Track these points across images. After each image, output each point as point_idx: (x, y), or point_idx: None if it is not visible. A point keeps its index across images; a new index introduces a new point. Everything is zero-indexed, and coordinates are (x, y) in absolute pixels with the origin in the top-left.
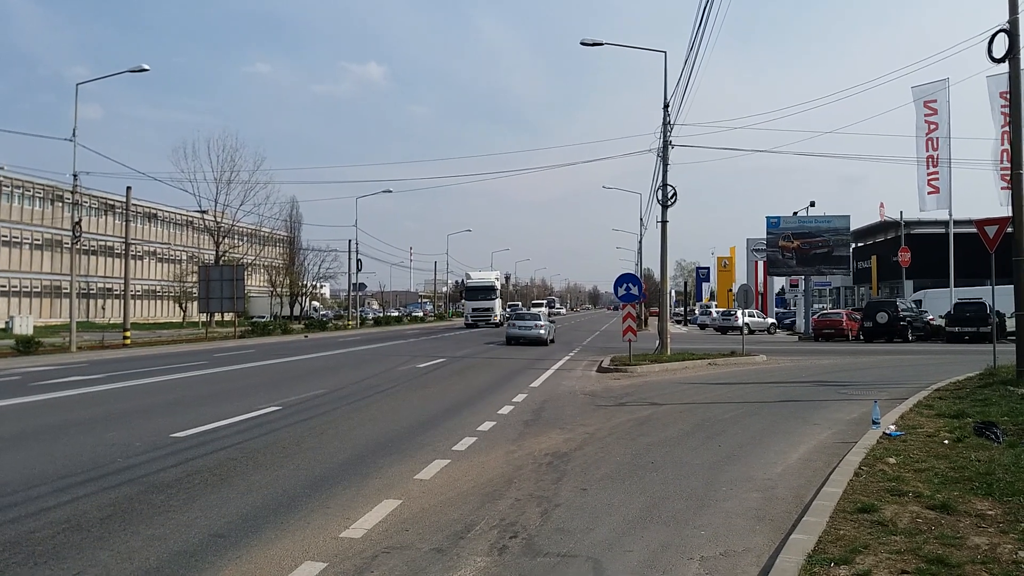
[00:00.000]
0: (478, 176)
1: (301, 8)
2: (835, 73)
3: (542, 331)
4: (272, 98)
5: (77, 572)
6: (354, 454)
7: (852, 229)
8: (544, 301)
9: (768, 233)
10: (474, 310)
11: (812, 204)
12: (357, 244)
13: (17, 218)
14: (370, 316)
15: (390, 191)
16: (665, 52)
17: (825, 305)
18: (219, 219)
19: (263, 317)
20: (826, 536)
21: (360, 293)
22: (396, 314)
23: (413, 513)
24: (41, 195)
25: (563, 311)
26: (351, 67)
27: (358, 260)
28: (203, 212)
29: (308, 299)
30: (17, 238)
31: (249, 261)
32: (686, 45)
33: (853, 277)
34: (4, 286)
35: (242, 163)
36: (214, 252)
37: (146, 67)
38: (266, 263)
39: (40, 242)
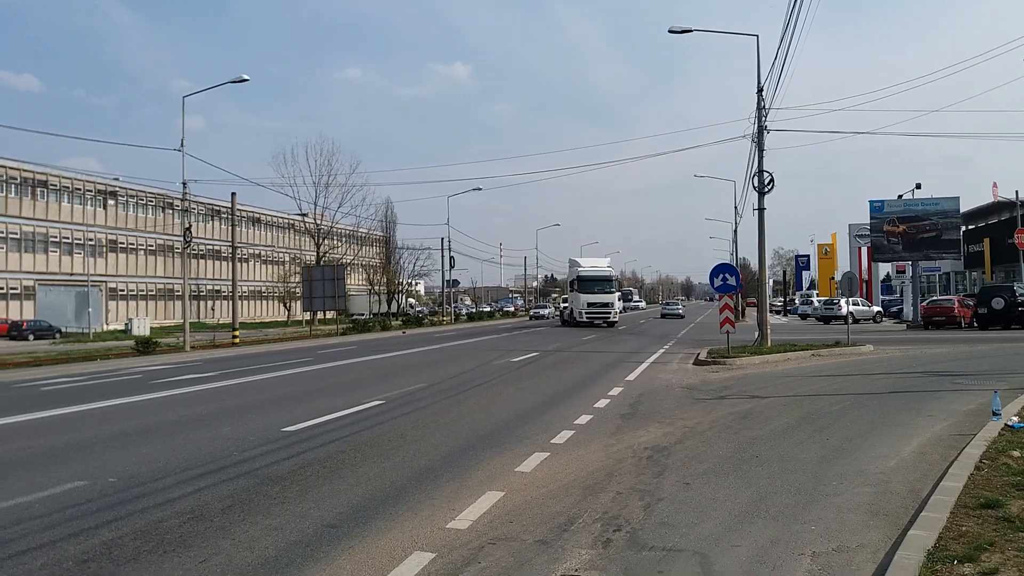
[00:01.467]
0: (566, 170)
1: (388, 13)
2: (938, 49)
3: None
4: (362, 102)
5: (203, 560)
6: (455, 447)
7: (962, 211)
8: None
9: (872, 218)
10: (590, 305)
11: (918, 186)
12: (449, 241)
13: (132, 226)
14: (463, 312)
15: (480, 188)
16: (757, 35)
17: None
18: (319, 221)
19: (362, 314)
20: (947, 532)
21: (453, 289)
22: (488, 309)
23: (516, 505)
24: (153, 203)
25: (642, 304)
26: (437, 68)
27: (451, 257)
28: (303, 215)
29: (404, 296)
30: (133, 244)
31: (348, 261)
32: (778, 25)
33: (964, 261)
34: (123, 290)
35: (339, 167)
36: (315, 253)
37: (246, 77)
38: (364, 262)
39: (153, 248)
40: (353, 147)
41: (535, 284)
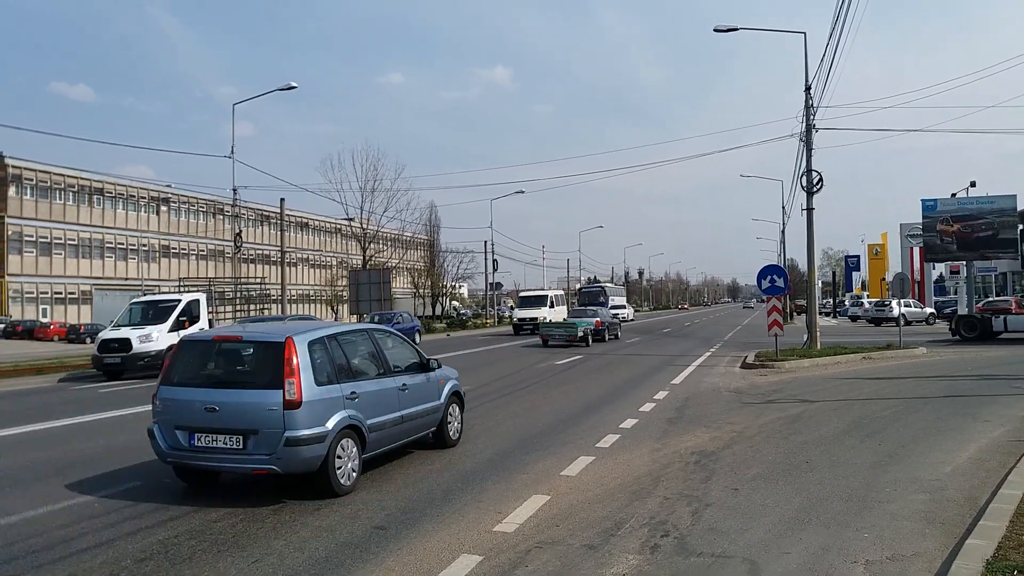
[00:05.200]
0: (609, 172)
1: (430, 19)
2: (989, 45)
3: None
4: (406, 106)
5: (256, 560)
6: (501, 450)
7: (1020, 209)
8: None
9: (924, 217)
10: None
11: (972, 184)
12: (493, 244)
13: (184, 231)
14: (506, 314)
15: (522, 191)
16: (805, 33)
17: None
18: (365, 226)
19: None
20: (1007, 542)
21: (496, 292)
22: None
23: (562, 509)
24: (204, 209)
25: (627, 312)
26: (479, 72)
27: (494, 260)
28: (350, 220)
29: (448, 299)
30: (185, 249)
31: (393, 264)
32: (825, 22)
33: (1022, 261)
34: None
35: (384, 171)
36: (361, 257)
37: (294, 84)
38: (409, 266)
39: (204, 252)
40: (397, 151)
41: (578, 287)
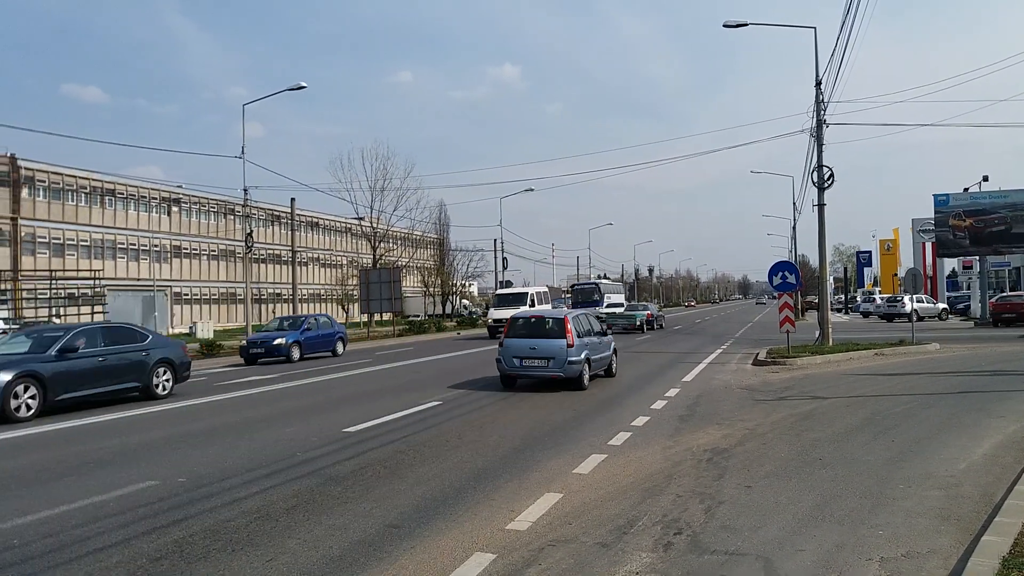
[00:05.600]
0: (618, 169)
1: (439, 18)
2: (1001, 39)
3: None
4: (415, 105)
5: (270, 559)
6: (512, 447)
7: None
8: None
9: (936, 212)
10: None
11: (985, 178)
12: (502, 243)
13: (195, 231)
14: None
15: (532, 189)
16: (815, 28)
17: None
18: (375, 225)
19: (418, 316)
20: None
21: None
22: None
23: (575, 507)
24: (215, 210)
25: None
26: (488, 70)
27: (503, 258)
28: (360, 219)
29: (458, 297)
30: (196, 250)
31: (404, 263)
32: (836, 16)
33: None
34: (187, 294)
35: (393, 171)
36: (371, 256)
37: (303, 84)
38: (419, 264)
39: (216, 253)
40: (407, 150)
41: (571, 284)
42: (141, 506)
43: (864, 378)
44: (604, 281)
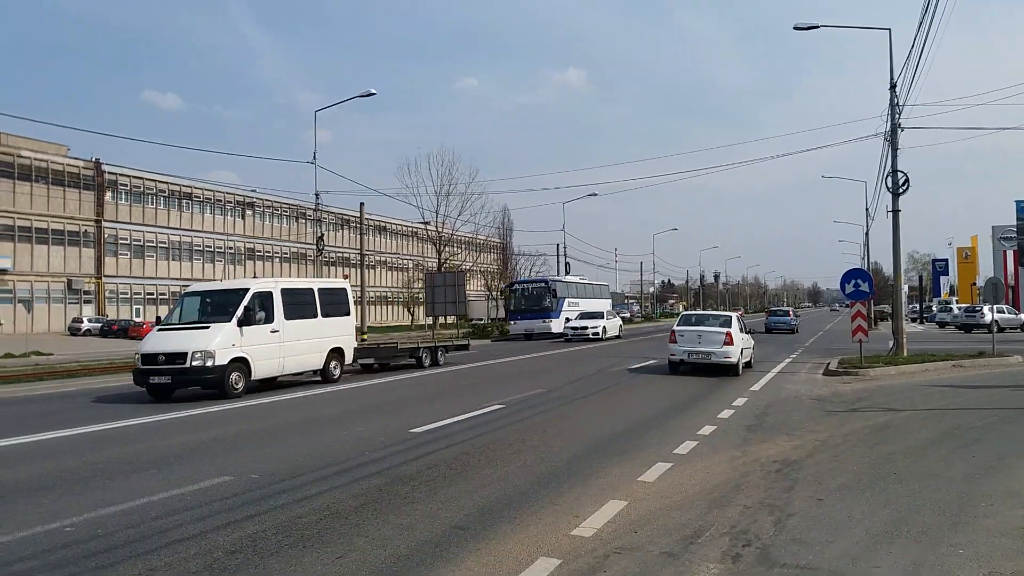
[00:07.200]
0: (684, 173)
1: (503, 23)
2: None
3: None
4: (480, 110)
5: (339, 556)
6: (576, 453)
7: None
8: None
9: (1018, 219)
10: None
11: None
12: (565, 247)
13: (268, 234)
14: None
15: (595, 194)
16: (890, 29)
17: None
18: (440, 229)
19: (481, 319)
20: None
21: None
22: None
23: (640, 515)
24: (287, 213)
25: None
26: (552, 74)
27: (566, 263)
28: (426, 223)
29: None
30: (269, 252)
31: (468, 267)
32: (913, 15)
33: None
34: None
35: (459, 176)
36: (436, 260)
37: (373, 91)
38: (482, 268)
39: (288, 255)
40: (472, 155)
41: (651, 290)
42: (216, 500)
43: (941, 390)
44: (569, 279)
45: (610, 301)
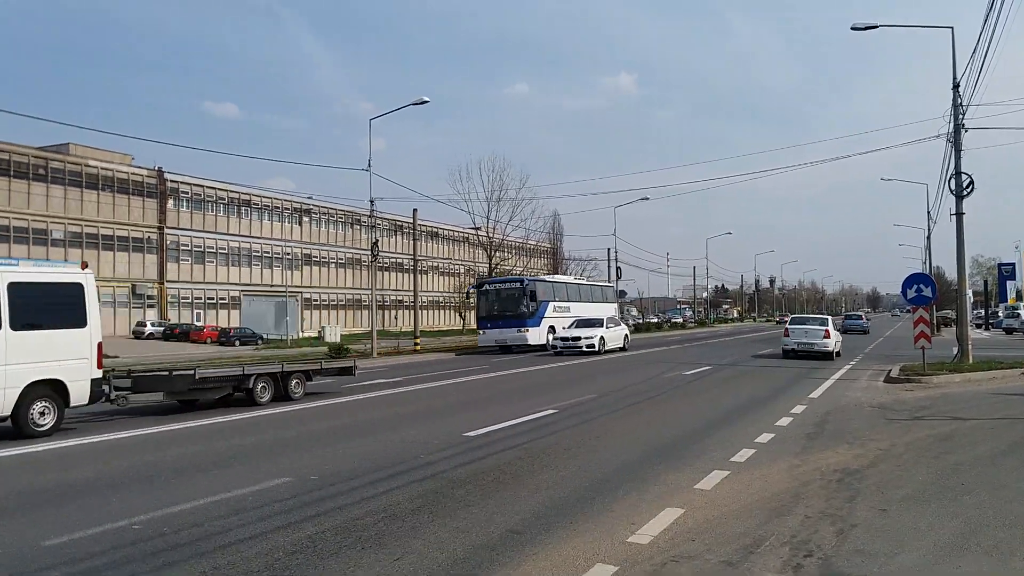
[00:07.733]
0: (737, 176)
1: (554, 29)
2: None
3: None
4: (531, 116)
5: (397, 558)
6: (631, 459)
7: None
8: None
9: None
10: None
11: None
12: (616, 252)
13: (324, 240)
14: (630, 323)
15: (647, 198)
16: (952, 28)
17: None
18: (491, 234)
19: None
20: None
21: (621, 300)
22: (655, 320)
23: (697, 523)
24: (343, 220)
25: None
26: (603, 80)
27: (617, 268)
28: (477, 229)
29: None
30: (325, 258)
31: (519, 272)
32: (977, 12)
33: None
34: (316, 300)
35: (509, 182)
36: (487, 265)
37: (427, 99)
38: (533, 273)
39: (343, 261)
40: (522, 161)
41: (704, 295)
42: (277, 501)
43: (1009, 399)
44: (556, 279)
45: (615, 305)
